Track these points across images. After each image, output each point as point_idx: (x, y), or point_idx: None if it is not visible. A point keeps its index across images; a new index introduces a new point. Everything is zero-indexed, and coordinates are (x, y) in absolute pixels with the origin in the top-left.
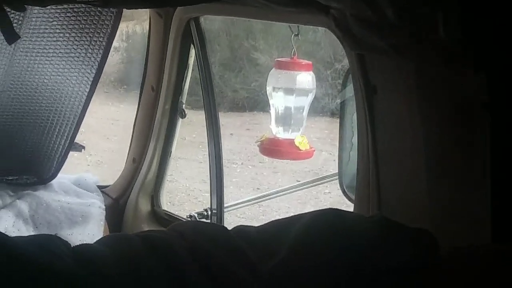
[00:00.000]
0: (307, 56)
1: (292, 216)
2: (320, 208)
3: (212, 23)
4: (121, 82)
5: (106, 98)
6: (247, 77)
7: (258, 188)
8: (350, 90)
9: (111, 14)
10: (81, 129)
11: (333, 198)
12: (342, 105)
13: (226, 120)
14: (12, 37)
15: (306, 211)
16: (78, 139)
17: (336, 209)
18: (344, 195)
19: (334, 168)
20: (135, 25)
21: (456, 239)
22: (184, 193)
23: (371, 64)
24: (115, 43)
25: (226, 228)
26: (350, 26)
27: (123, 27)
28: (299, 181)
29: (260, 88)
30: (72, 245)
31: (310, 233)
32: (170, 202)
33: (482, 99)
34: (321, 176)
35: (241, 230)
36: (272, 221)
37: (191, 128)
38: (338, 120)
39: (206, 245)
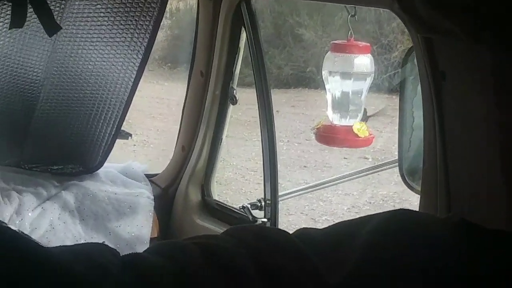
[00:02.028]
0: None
1: (360, 218)
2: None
3: None
4: (165, 60)
5: (150, 76)
6: (292, 54)
7: (305, 166)
8: (409, 71)
9: None
10: None
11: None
12: (401, 86)
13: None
14: (52, 29)
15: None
16: None
17: (409, 210)
18: (404, 182)
19: (381, 144)
20: (178, 2)
21: None
22: (231, 172)
23: (440, 48)
24: None
25: (288, 232)
26: (416, 7)
27: None
28: (346, 158)
29: (305, 64)
30: (120, 238)
31: (383, 238)
32: (216, 182)
33: None
34: (380, 163)
35: (305, 234)
36: (338, 223)
37: (236, 106)
38: (384, 96)
39: (270, 254)
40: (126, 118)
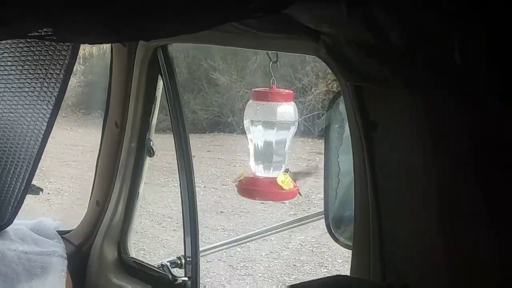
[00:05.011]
0: (266, 76)
1: (294, 285)
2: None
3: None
4: (79, 106)
5: (64, 123)
6: (207, 98)
7: (222, 212)
8: (334, 119)
9: (69, 44)
10: None
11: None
12: (326, 135)
13: None
14: None
15: None
16: None
17: (345, 276)
18: (330, 234)
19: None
20: (91, 47)
21: None
22: (147, 219)
23: (370, 96)
24: None
25: None
26: (345, 53)
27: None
28: (263, 203)
29: (220, 108)
30: None
31: None
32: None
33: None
34: (305, 216)
35: None
36: None
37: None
38: (300, 140)
39: None
40: (40, 166)
